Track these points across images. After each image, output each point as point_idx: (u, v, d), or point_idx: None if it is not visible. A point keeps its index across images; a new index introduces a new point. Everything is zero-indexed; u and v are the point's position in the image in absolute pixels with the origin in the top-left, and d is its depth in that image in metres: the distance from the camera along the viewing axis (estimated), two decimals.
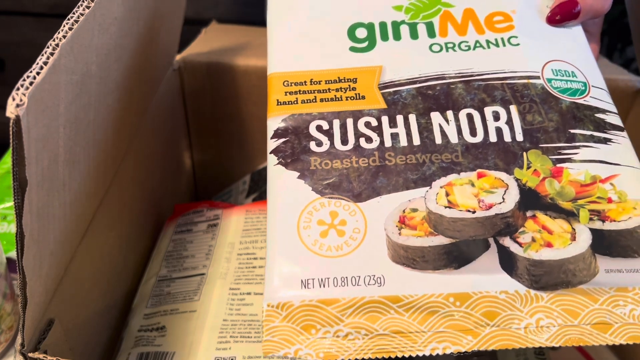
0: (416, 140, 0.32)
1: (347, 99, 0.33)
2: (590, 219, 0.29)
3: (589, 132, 0.32)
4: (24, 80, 0.26)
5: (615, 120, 0.33)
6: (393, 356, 0.27)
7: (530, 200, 0.30)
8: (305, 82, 0.34)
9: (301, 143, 0.32)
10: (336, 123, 0.32)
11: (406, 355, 0.27)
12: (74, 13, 0.30)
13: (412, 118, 0.32)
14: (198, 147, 0.62)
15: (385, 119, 0.32)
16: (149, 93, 0.48)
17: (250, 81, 0.56)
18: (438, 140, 0.32)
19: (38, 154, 0.27)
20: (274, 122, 0.33)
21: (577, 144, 0.31)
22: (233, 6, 0.98)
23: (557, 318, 0.27)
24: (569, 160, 0.31)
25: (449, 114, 0.32)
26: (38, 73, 0.26)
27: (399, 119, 0.32)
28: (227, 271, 0.43)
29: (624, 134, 0.32)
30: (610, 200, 0.30)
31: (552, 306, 0.27)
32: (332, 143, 0.32)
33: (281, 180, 0.31)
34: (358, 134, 0.32)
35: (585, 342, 0.27)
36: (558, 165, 0.31)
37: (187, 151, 0.61)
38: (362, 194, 0.30)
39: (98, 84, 0.34)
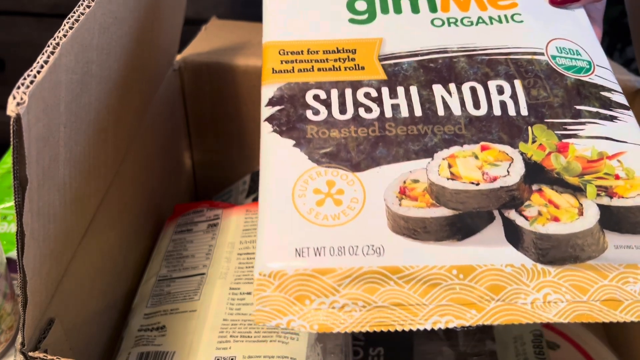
0: (418, 112, 0.31)
1: (345, 69, 0.33)
2: (598, 195, 0.29)
3: (594, 109, 0.32)
4: (25, 79, 0.26)
5: (621, 99, 0.32)
6: (392, 330, 0.25)
7: (536, 174, 0.29)
8: (302, 51, 0.33)
9: (297, 111, 0.31)
10: (334, 92, 0.32)
11: (406, 329, 0.25)
12: (74, 12, 0.30)
13: (414, 90, 0.32)
14: (198, 147, 0.62)
15: (385, 90, 0.32)
16: (149, 93, 0.48)
17: (250, 81, 0.56)
18: (440, 112, 0.31)
19: (39, 153, 0.27)
20: (269, 90, 0.32)
21: (583, 120, 0.31)
22: (233, 6, 0.98)
23: (565, 293, 0.26)
24: (575, 136, 0.31)
25: (452, 86, 0.32)
26: (39, 72, 0.26)
27: (400, 90, 0.32)
28: (227, 271, 0.43)
29: (630, 112, 0.32)
30: (617, 177, 0.29)
31: (560, 281, 0.26)
32: (329, 112, 0.31)
33: (276, 148, 0.30)
34: (357, 104, 0.31)
35: (595, 319, 0.26)
36: (564, 140, 0.30)
37: (187, 151, 0.61)
38: (361, 163, 0.29)
39: (98, 84, 0.34)
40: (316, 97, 0.32)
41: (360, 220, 0.27)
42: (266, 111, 0.31)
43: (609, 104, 0.32)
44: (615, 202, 0.29)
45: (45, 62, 0.27)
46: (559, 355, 0.47)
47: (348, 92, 0.32)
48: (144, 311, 0.42)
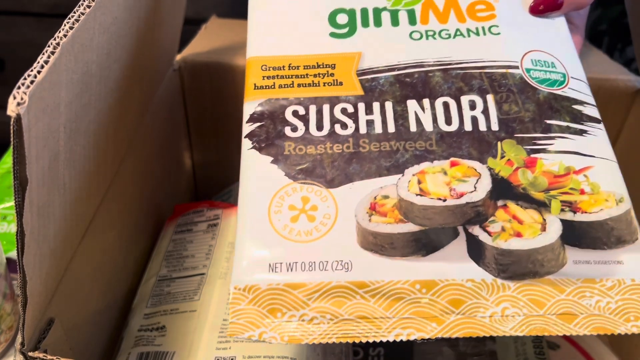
0: (391, 128, 0.31)
1: (324, 85, 0.33)
2: (562, 210, 0.29)
3: (565, 123, 0.32)
4: (25, 79, 0.26)
5: (593, 112, 0.33)
6: (357, 341, 0.27)
7: (502, 189, 0.30)
8: (283, 66, 0.34)
9: (276, 128, 0.32)
10: (312, 109, 0.32)
11: (370, 341, 0.27)
12: (74, 13, 0.30)
13: (389, 105, 0.32)
14: (198, 147, 0.62)
15: (361, 106, 0.32)
16: (149, 93, 0.48)
17: None
18: (413, 128, 0.31)
19: (39, 153, 0.27)
20: (251, 106, 0.33)
21: (553, 134, 0.31)
22: (233, 6, 0.98)
23: (522, 308, 0.27)
24: (544, 150, 0.31)
25: (426, 102, 0.32)
26: (39, 72, 0.26)
27: (375, 106, 0.32)
28: (227, 271, 0.43)
29: (601, 125, 0.32)
30: (582, 192, 0.30)
31: (519, 296, 0.27)
32: (307, 128, 0.32)
33: (254, 164, 0.31)
34: (334, 120, 0.32)
35: (550, 332, 0.27)
36: (532, 155, 0.31)
37: (187, 151, 0.61)
38: (335, 180, 0.30)
39: (98, 84, 0.34)
40: (295, 113, 0.32)
41: (331, 236, 0.29)
42: (247, 128, 0.32)
43: (579, 118, 0.32)
44: (579, 217, 0.29)
45: (46, 62, 0.27)
46: (559, 355, 0.47)
47: (326, 108, 0.32)
48: (144, 311, 0.42)
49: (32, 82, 0.26)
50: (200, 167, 0.63)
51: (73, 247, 0.36)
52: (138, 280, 0.47)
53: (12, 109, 0.25)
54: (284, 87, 0.33)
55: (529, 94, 0.33)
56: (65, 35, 0.29)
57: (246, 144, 0.32)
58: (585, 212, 0.29)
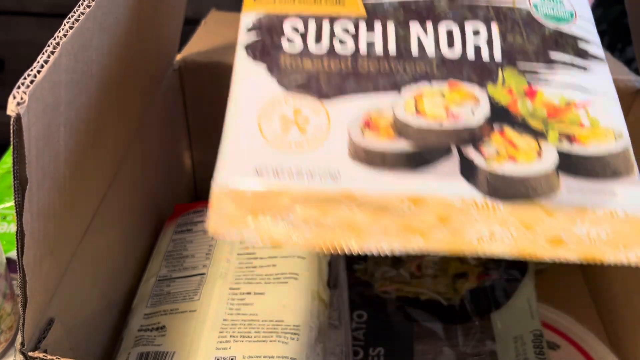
0: (392, 50, 0.31)
1: (325, 3, 0.33)
2: (559, 140, 0.29)
3: (569, 58, 0.32)
4: (25, 78, 0.26)
5: (597, 51, 0.33)
6: (340, 250, 0.26)
7: (500, 116, 0.30)
8: None
9: (273, 40, 0.31)
10: (312, 24, 0.32)
11: (354, 251, 0.26)
12: (74, 12, 0.30)
13: (391, 28, 0.32)
14: (198, 147, 0.62)
15: (362, 26, 0.32)
16: (149, 93, 0.48)
17: None
18: (414, 50, 0.31)
19: (38, 153, 0.27)
20: (248, 18, 0.32)
21: (555, 67, 0.31)
22: (233, 7, 0.98)
23: (512, 230, 0.27)
24: (545, 82, 0.31)
25: (429, 25, 0.32)
26: (39, 72, 0.26)
27: (377, 27, 0.32)
28: (227, 271, 0.43)
29: (604, 65, 0.32)
30: (581, 125, 0.30)
31: (509, 217, 0.27)
32: (305, 43, 0.31)
33: (248, 72, 0.30)
34: (333, 38, 0.32)
35: (537, 256, 0.26)
36: (533, 86, 0.31)
37: (187, 151, 0.61)
38: (329, 94, 0.30)
39: (98, 84, 0.34)
40: (293, 28, 0.32)
41: (322, 147, 0.28)
42: (243, 38, 0.32)
43: (584, 54, 0.32)
44: (575, 148, 0.29)
45: (45, 62, 0.27)
46: (559, 355, 0.47)
47: (326, 25, 0.32)
48: (144, 311, 0.42)
49: (32, 82, 0.26)
50: (200, 167, 0.63)
51: (73, 247, 0.36)
52: (138, 280, 0.47)
53: (12, 109, 0.25)
54: (283, 1, 0.33)
55: (535, 27, 0.32)
56: (65, 35, 0.29)
57: (240, 54, 0.31)
58: (583, 145, 0.29)
